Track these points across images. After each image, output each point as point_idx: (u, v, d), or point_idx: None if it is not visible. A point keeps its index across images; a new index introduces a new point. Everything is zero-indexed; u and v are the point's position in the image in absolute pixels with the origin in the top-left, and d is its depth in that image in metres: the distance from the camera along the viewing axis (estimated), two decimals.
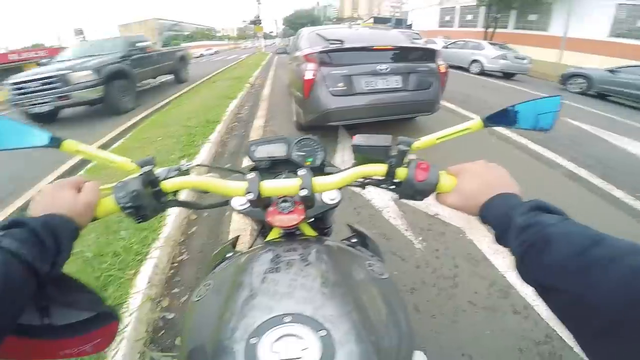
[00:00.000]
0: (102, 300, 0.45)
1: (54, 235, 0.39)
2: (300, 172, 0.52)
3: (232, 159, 3.36)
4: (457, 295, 1.59)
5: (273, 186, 0.52)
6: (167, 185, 0.52)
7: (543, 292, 0.35)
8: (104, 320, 0.46)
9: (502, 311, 1.51)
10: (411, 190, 0.52)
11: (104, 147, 4.36)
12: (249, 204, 0.58)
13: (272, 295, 0.41)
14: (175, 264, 1.88)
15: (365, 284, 0.49)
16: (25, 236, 0.37)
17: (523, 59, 10.26)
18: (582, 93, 8.29)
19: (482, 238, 1.99)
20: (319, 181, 0.53)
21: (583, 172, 3.03)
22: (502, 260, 1.81)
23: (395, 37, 3.95)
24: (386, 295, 0.48)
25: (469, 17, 24.99)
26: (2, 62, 17.66)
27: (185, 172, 0.61)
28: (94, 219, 0.49)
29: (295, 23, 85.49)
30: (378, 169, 0.54)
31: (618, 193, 2.67)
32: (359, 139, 0.56)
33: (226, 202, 0.64)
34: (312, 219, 0.70)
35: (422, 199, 0.53)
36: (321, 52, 3.20)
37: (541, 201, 0.39)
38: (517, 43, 16.08)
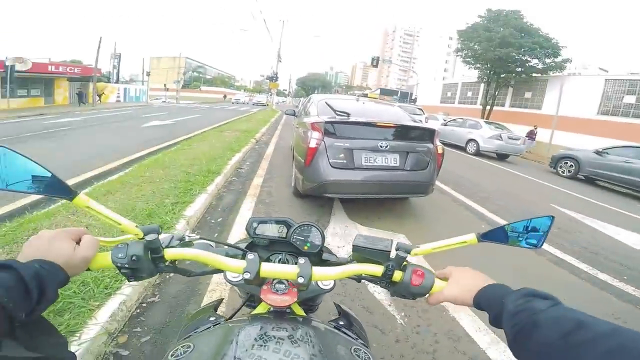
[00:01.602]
0: (65, 344, 0.45)
1: (41, 285, 0.40)
2: (300, 260, 0.57)
3: (224, 215, 3.34)
4: None
5: (272, 270, 0.56)
6: (169, 254, 0.56)
7: None
8: None
9: None
10: (405, 292, 0.58)
11: (101, 176, 4.45)
12: (241, 279, 0.59)
13: None
14: (145, 304, 1.85)
15: None
16: (11, 283, 0.38)
17: (517, 139, 10.72)
18: (571, 177, 8.56)
19: (466, 316, 2.01)
20: (317, 272, 0.57)
21: (569, 258, 3.15)
22: (484, 337, 1.83)
23: (398, 115, 4.13)
24: None
25: (469, 93, 26.45)
26: (40, 72, 18.50)
27: (188, 243, 0.64)
28: (88, 269, 0.51)
29: (307, 85, 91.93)
30: (375, 270, 0.59)
31: (603, 276, 2.86)
32: (360, 239, 0.61)
33: (219, 271, 0.65)
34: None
35: (414, 299, 0.59)
36: (327, 122, 3.33)
37: (532, 289, 0.46)
38: (512, 122, 17.01)
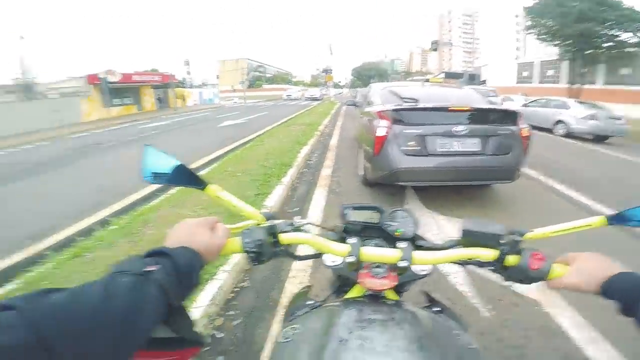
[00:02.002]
0: (192, 325, 0.47)
1: (189, 272, 0.43)
2: (402, 244, 0.58)
3: (299, 204, 3.52)
4: None
5: (373, 253, 0.58)
6: (284, 238, 0.60)
7: None
8: (189, 344, 0.47)
9: None
10: (522, 276, 0.55)
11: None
12: (341, 263, 0.62)
13: (368, 352, 0.43)
14: (237, 289, 2.04)
15: (456, 353, 0.50)
16: (170, 271, 0.41)
17: (618, 118, 9.10)
18: None
19: (562, 311, 1.83)
20: (420, 255, 0.57)
21: None
22: (582, 334, 1.68)
23: (472, 97, 3.88)
24: None
25: (550, 72, 23.69)
26: (129, 82, 21.06)
27: (298, 228, 0.67)
28: (217, 256, 0.55)
29: (363, 74, 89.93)
30: (488, 254, 0.57)
31: None
32: (469, 223, 0.59)
33: (318, 256, 0.68)
34: None
35: (529, 283, 0.56)
36: (394, 109, 3.27)
37: None
38: (608, 100, 14.56)
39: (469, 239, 0.59)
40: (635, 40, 15.99)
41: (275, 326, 1.72)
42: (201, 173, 4.75)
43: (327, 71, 28.74)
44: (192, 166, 5.24)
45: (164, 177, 0.56)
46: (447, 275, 2.16)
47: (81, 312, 0.32)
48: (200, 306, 1.69)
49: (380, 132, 3.24)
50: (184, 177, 0.57)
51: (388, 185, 3.58)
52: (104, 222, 3.19)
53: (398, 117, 3.26)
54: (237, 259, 2.18)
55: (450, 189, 3.72)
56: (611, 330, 1.65)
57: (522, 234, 0.57)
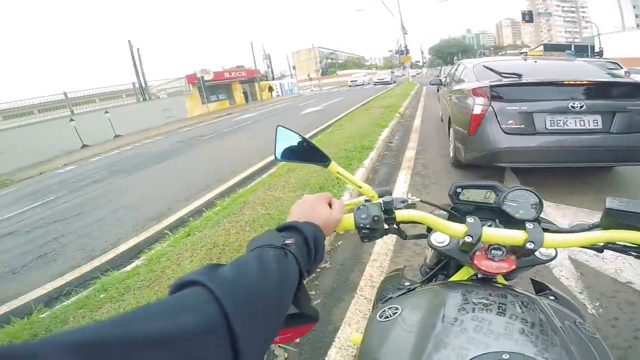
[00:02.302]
0: (310, 300, 0.47)
1: (316, 246, 0.44)
2: (529, 225, 0.53)
3: (381, 187, 3.52)
4: None
5: (496, 234, 0.54)
6: (399, 215, 0.58)
7: None
8: (307, 320, 0.47)
9: None
10: None
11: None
12: (449, 244, 0.61)
13: (487, 333, 0.42)
14: (319, 270, 2.11)
15: (579, 340, 0.47)
16: (301, 245, 0.42)
17: None
18: None
19: None
20: (551, 237, 0.52)
21: None
22: None
23: (588, 70, 3.34)
24: (601, 355, 0.46)
25: None
26: (220, 79, 23.32)
27: (412, 205, 0.65)
28: (334, 231, 0.56)
29: (443, 52, 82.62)
30: (637, 237, 0.50)
31: None
32: (615, 202, 0.53)
33: (425, 236, 0.67)
34: None
35: None
36: (493, 85, 3.01)
37: None
38: None
39: (613, 219, 0.52)
40: None
41: (353, 308, 1.75)
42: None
43: (401, 52, 27.23)
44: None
45: (293, 155, 0.60)
46: (552, 267, 1.96)
47: (250, 283, 0.33)
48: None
49: (477, 109, 3.03)
50: (311, 154, 0.60)
51: (482, 167, 3.33)
52: (209, 204, 3.70)
53: (497, 93, 3.01)
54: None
55: (559, 173, 3.27)
56: None
57: None
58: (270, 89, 29.73)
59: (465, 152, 3.28)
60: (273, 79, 38.18)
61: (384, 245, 2.32)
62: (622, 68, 11.75)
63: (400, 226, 0.63)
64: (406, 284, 0.71)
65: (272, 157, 5.57)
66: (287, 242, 0.40)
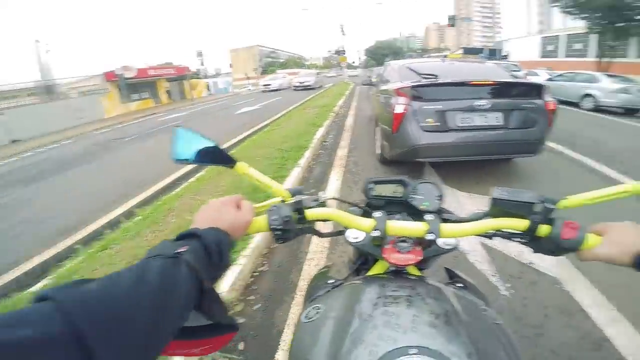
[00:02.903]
0: (226, 311, 0.46)
1: (219, 251, 0.42)
2: (428, 217, 0.56)
3: (316, 186, 3.56)
4: (540, 344, 1.50)
5: (400, 226, 0.56)
6: (310, 214, 0.58)
7: None
8: (225, 330, 0.47)
9: None
10: (553, 247, 0.52)
11: None
12: (363, 239, 0.61)
13: (395, 328, 0.43)
14: (256, 273, 2.06)
15: (483, 327, 0.49)
16: (200, 252, 0.40)
17: None
18: None
19: (583, 289, 1.80)
20: (447, 227, 0.54)
21: None
22: (603, 314, 1.65)
23: (495, 71, 3.78)
24: (503, 340, 0.48)
25: (578, 46, 22.59)
26: (144, 76, 21.24)
27: (322, 203, 0.65)
28: (246, 234, 0.55)
29: (377, 54, 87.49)
30: (519, 224, 0.54)
31: None
32: (500, 192, 0.56)
33: (341, 233, 0.67)
34: None
35: (560, 255, 0.53)
36: (413, 86, 3.21)
37: None
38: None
39: (500, 208, 0.56)
40: None
41: (295, 309, 1.74)
42: None
43: (339, 52, 28.10)
44: None
45: (193, 157, 0.55)
46: (467, 254, 2.14)
47: (114, 299, 0.31)
48: (220, 292, 1.75)
49: (399, 109, 3.21)
50: (214, 156, 0.57)
51: (406, 162, 3.56)
52: (129, 214, 3.31)
53: (417, 93, 3.21)
54: (256, 242, 2.22)
55: (470, 165, 3.65)
56: (634, 310, 1.62)
57: (554, 202, 0.54)
58: (198, 88, 28.11)
59: (389, 149, 3.46)
60: (206, 77, 36.28)
61: (319, 243, 2.32)
62: (522, 70, 13.72)
63: (317, 224, 0.63)
64: (331, 281, 0.69)
65: None
66: (179, 250, 0.39)
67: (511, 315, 1.66)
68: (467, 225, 0.56)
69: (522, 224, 0.54)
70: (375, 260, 0.71)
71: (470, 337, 0.43)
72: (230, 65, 37.87)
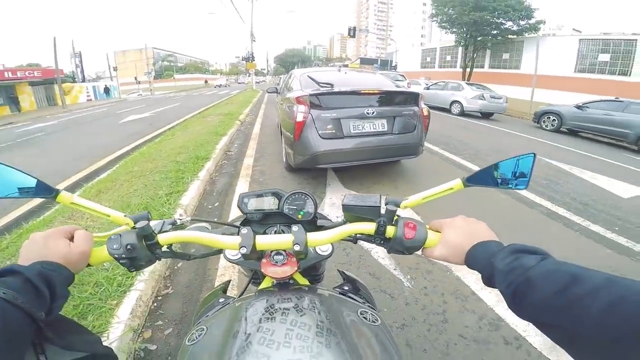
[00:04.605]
0: (99, 341, 0.46)
1: (48, 283, 0.40)
2: (294, 228, 0.55)
3: (220, 199, 3.34)
4: (447, 330, 1.61)
5: (267, 241, 0.55)
6: (162, 239, 0.55)
7: (538, 326, 0.38)
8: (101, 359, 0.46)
9: (494, 342, 1.55)
10: (400, 247, 0.55)
11: (91, 177, 4.37)
12: (241, 256, 0.60)
13: (269, 344, 0.42)
14: (160, 297, 1.87)
15: (359, 331, 0.49)
16: (19, 285, 0.38)
17: (499, 98, 10.87)
18: (555, 130, 8.84)
19: (469, 274, 2.04)
20: (311, 237, 0.55)
21: (561, 210, 3.18)
22: (490, 295, 1.85)
23: (381, 82, 4.14)
24: (380, 341, 0.49)
25: (448, 57, 26.98)
26: None
27: (181, 226, 0.63)
28: (89, 265, 0.51)
29: (286, 61, 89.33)
30: (367, 227, 0.57)
31: (595, 228, 2.87)
32: (349, 199, 0.58)
33: (219, 252, 0.65)
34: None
35: (410, 254, 0.56)
36: (312, 94, 3.30)
37: (519, 244, 0.43)
38: (493, 82, 17.48)
39: (351, 214, 0.58)
40: (515, 28, 19.32)
41: None
42: (101, 177, 4.15)
43: (248, 59, 27.52)
44: (85, 171, 4.54)
45: (4, 190, 0.50)
46: (370, 251, 2.28)
47: None
48: (121, 321, 1.52)
49: (300, 117, 3.26)
50: (30, 188, 0.51)
51: (310, 169, 3.64)
52: None
53: (315, 101, 3.30)
54: (151, 267, 1.95)
55: (366, 168, 3.97)
56: None
57: (397, 204, 0.56)
58: (71, 92, 24.11)
59: (293, 156, 3.49)
60: (83, 80, 30.97)
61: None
62: (405, 79, 15.67)
63: (183, 247, 0.59)
64: (221, 300, 0.68)
65: (74, 177, 4.40)
66: None
67: (417, 305, 1.78)
68: (327, 232, 0.57)
69: (370, 227, 0.56)
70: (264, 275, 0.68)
71: (344, 346, 0.43)
72: (115, 68, 32.90)
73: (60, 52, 20.87)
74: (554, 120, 8.98)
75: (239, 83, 37.36)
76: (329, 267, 1.04)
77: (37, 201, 3.51)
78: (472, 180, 0.56)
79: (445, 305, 1.79)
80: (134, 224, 0.55)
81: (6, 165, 0.50)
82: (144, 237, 0.53)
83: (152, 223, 0.57)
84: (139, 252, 0.52)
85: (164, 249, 0.57)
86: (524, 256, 0.41)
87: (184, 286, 1.97)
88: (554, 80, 17.32)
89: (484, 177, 0.55)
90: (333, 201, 3.15)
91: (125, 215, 0.57)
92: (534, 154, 0.53)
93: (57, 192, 0.53)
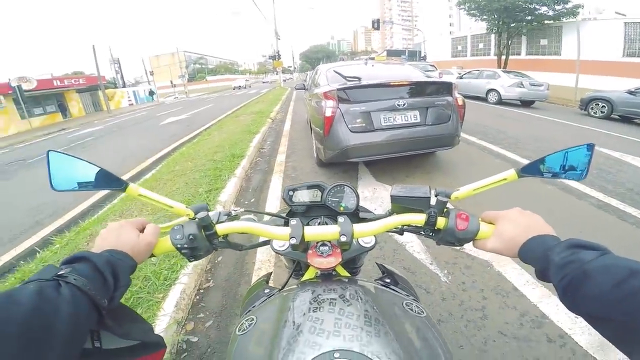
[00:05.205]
0: (151, 330, 0.48)
1: (113, 271, 0.43)
2: (340, 219, 0.56)
3: (256, 195, 3.47)
4: (486, 326, 1.55)
5: (315, 232, 0.56)
6: (220, 229, 0.58)
7: (591, 321, 0.37)
8: (152, 348, 0.48)
9: (536, 340, 1.47)
10: (452, 238, 0.55)
11: (135, 177, 4.71)
12: (288, 246, 0.62)
13: (319, 333, 0.43)
14: (202, 291, 1.96)
15: (406, 322, 0.50)
16: (88, 272, 0.40)
17: (540, 85, 10.18)
18: (605, 117, 8.12)
19: (512, 270, 1.95)
20: (358, 228, 0.56)
21: (614, 202, 2.92)
22: (534, 291, 1.77)
23: (411, 72, 4.06)
24: (427, 332, 0.49)
25: (481, 45, 25.62)
26: (47, 88, 18.75)
27: (235, 217, 0.66)
28: (152, 256, 0.55)
29: (311, 58, 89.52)
30: (417, 219, 0.57)
31: None
32: (397, 189, 0.58)
33: (267, 243, 0.67)
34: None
35: (461, 245, 0.56)
36: (339, 89, 3.31)
37: (578, 239, 0.42)
38: (532, 69, 16.44)
39: (399, 205, 0.58)
40: (551, 13, 17.96)
41: None
42: (147, 176, 4.46)
43: (274, 57, 27.95)
44: (133, 171, 4.91)
45: (76, 183, 0.52)
46: (404, 245, 2.25)
47: None
48: (166, 313, 1.62)
49: (328, 112, 3.28)
50: (100, 179, 0.53)
51: (341, 163, 3.66)
52: (46, 242, 2.91)
53: (343, 96, 3.31)
54: (197, 262, 2.08)
55: (399, 161, 3.91)
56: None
57: (448, 195, 0.56)
58: (114, 98, 25.76)
59: (324, 151, 3.53)
60: (124, 86, 33.09)
61: (266, 251, 2.25)
62: (437, 69, 15.13)
63: (233, 238, 0.63)
64: (266, 291, 0.70)
65: (123, 177, 4.74)
66: (61, 272, 0.39)
67: (454, 300, 1.72)
68: (374, 224, 0.58)
69: (420, 218, 0.56)
70: (308, 266, 0.70)
71: (391, 336, 0.43)
72: (151, 73, 34.85)
73: (100, 59, 22.29)
74: (603, 106, 8.23)
75: (263, 82, 37.35)
76: (366, 261, 1.06)
77: (91, 201, 3.85)
78: (527, 170, 0.53)
79: (485, 301, 1.72)
80: (195, 214, 0.57)
81: (73, 157, 0.53)
82: (204, 227, 0.56)
83: (210, 214, 0.59)
84: (199, 242, 0.54)
85: (221, 239, 0.59)
86: (582, 251, 0.40)
87: (224, 279, 2.06)
88: (600, 65, 16.05)
89: (540, 168, 0.52)
90: (365, 195, 3.15)
91: (186, 207, 0.59)
92: (593, 144, 0.51)
93: (127, 184, 0.55)
